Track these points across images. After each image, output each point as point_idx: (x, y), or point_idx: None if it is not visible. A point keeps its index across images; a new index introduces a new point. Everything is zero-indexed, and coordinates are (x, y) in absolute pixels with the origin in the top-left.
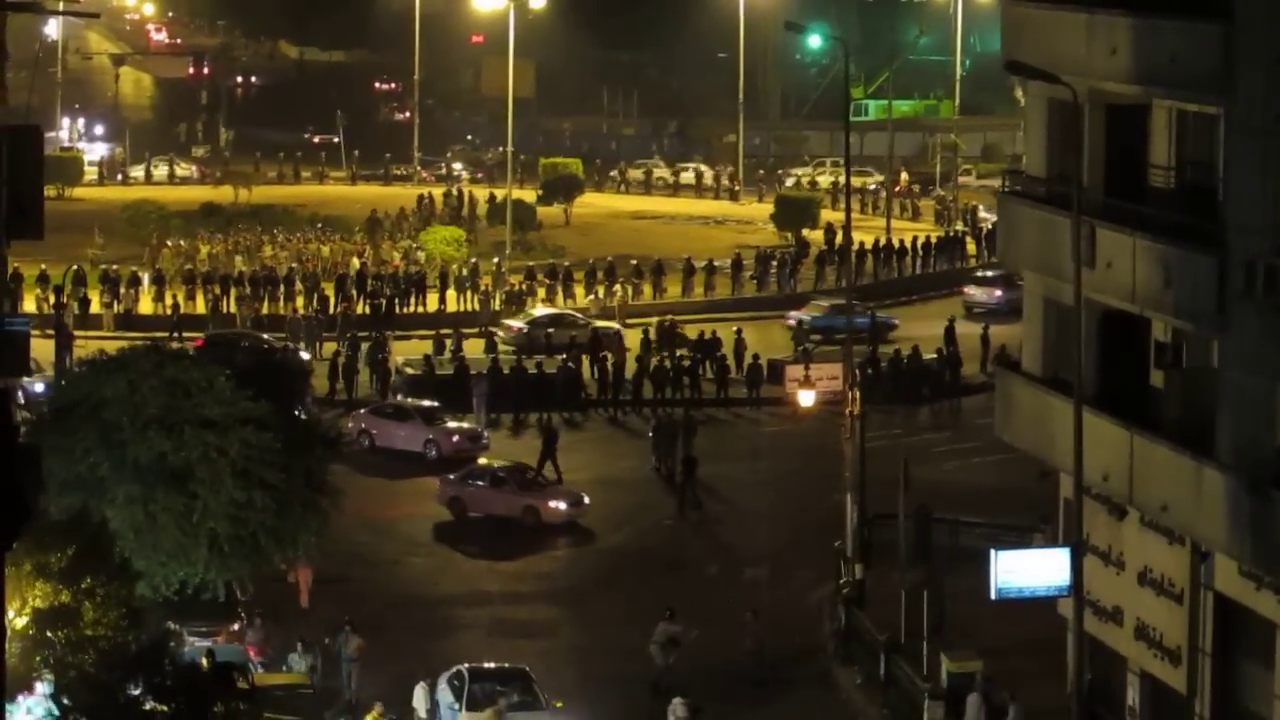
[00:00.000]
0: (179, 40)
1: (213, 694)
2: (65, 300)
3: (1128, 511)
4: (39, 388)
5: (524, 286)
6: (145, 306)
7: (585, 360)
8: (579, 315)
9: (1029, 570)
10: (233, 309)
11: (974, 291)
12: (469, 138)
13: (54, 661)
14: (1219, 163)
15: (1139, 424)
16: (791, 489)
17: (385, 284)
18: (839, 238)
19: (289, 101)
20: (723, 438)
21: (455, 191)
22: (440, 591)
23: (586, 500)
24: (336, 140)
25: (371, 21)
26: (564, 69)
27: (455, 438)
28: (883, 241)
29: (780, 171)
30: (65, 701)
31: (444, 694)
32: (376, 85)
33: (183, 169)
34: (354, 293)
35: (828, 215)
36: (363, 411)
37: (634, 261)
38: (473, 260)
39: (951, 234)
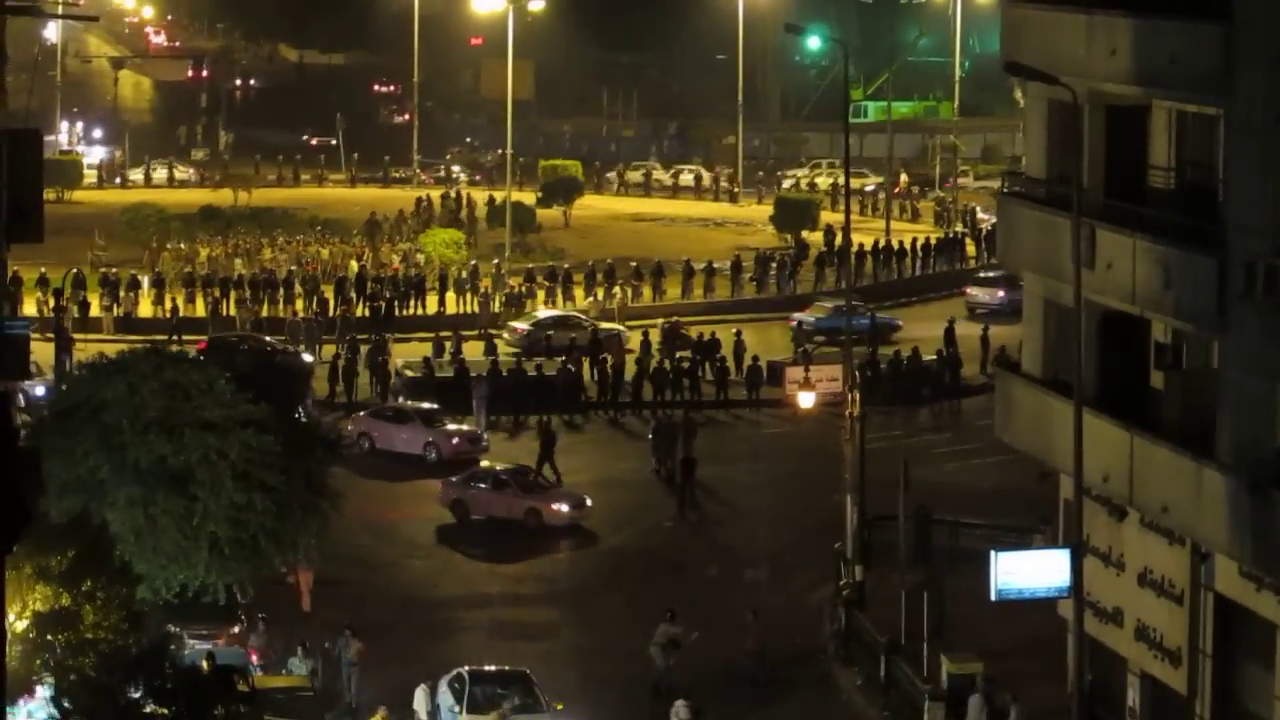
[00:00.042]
0: (178, 43)
1: (213, 697)
2: (65, 303)
3: (1128, 512)
4: (40, 391)
5: (523, 289)
6: (145, 309)
7: (585, 362)
8: (584, 317)
9: (1029, 571)
10: (233, 312)
11: (976, 292)
12: (468, 140)
13: (54, 664)
14: (1219, 163)
15: (1139, 425)
16: (791, 490)
17: (385, 286)
18: (838, 239)
19: (288, 104)
20: (722, 439)
21: (453, 194)
22: (440, 594)
23: (589, 502)
24: (334, 142)
25: (371, 24)
26: (563, 71)
27: (455, 440)
28: (882, 243)
29: (779, 174)
30: (66, 704)
31: (444, 696)
32: (376, 88)
33: (180, 172)
34: (353, 295)
35: (827, 217)
36: (362, 414)
37: (633, 263)
38: (472, 263)
39: (951, 235)
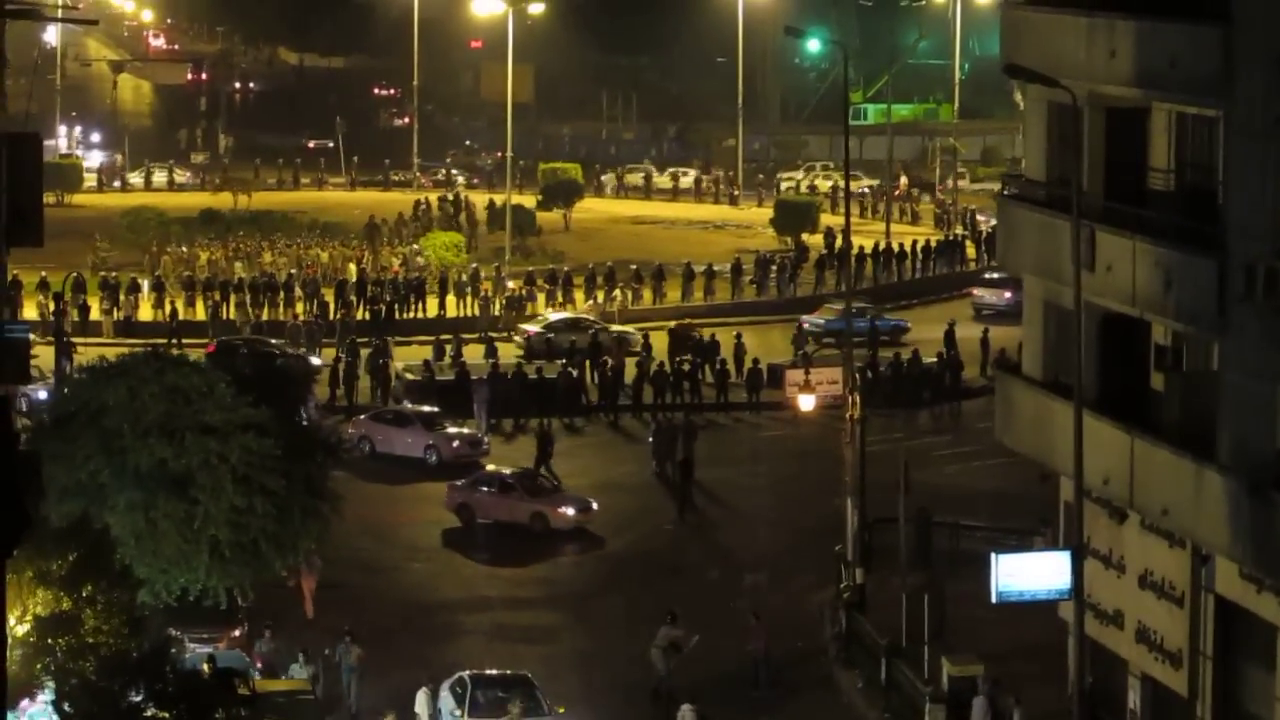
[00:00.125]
0: (178, 46)
1: (214, 700)
2: (65, 307)
3: (1128, 515)
4: (42, 395)
5: (524, 292)
6: (145, 313)
7: (586, 365)
8: (594, 319)
9: (1030, 574)
10: (233, 315)
11: (983, 293)
12: (467, 143)
13: (55, 668)
14: (1219, 165)
15: (1139, 427)
16: (792, 493)
17: (385, 289)
18: (838, 242)
19: (288, 107)
20: (723, 442)
21: (451, 197)
22: (441, 597)
23: (595, 506)
24: (332, 145)
25: (370, 27)
26: (563, 74)
27: (456, 443)
28: (882, 245)
29: (778, 176)
30: (66, 708)
31: (446, 700)
32: (376, 91)
33: (179, 175)
34: (354, 298)
35: (827, 219)
36: (363, 417)
37: (634, 266)
38: (473, 266)
39: (951, 237)
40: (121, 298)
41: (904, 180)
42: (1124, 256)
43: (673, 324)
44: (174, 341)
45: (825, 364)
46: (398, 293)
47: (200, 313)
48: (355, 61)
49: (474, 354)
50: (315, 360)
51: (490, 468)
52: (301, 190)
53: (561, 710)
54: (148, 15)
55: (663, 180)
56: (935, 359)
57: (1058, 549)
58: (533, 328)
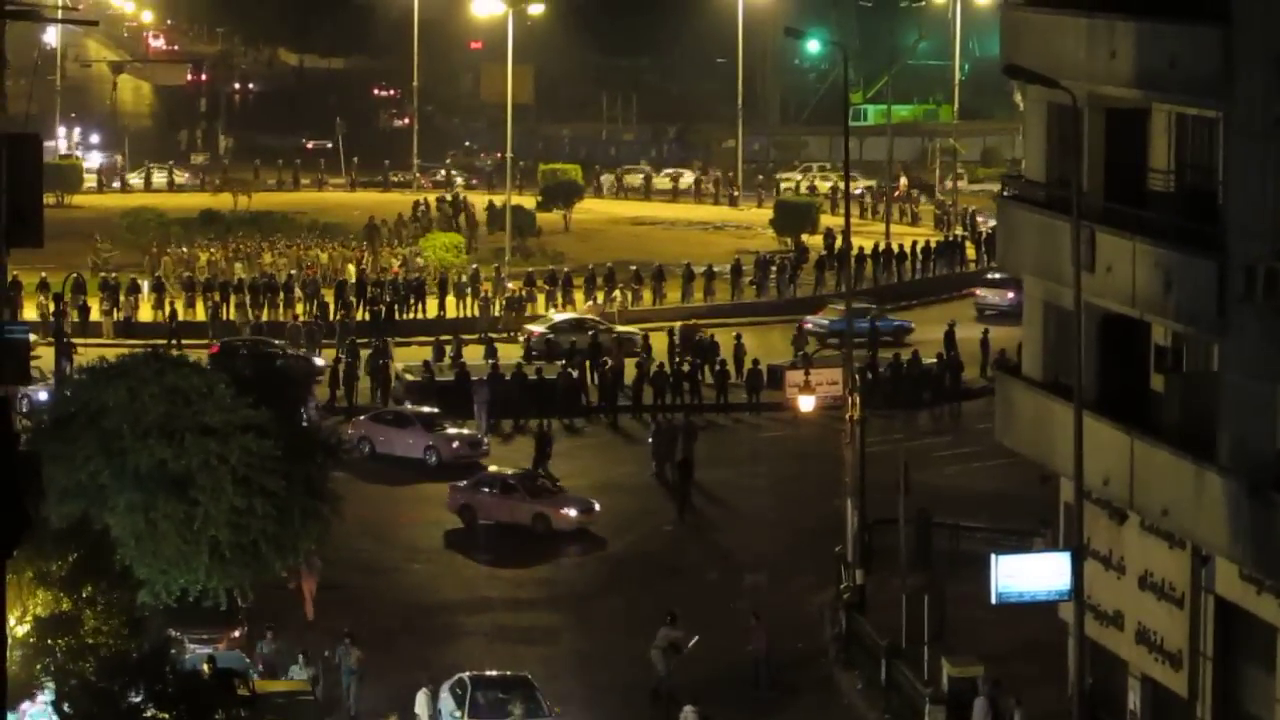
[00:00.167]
0: (177, 47)
1: (214, 701)
2: (65, 308)
3: (1128, 515)
4: (42, 396)
5: (524, 292)
6: (145, 314)
7: (586, 366)
8: (599, 320)
9: (1030, 575)
10: (233, 316)
11: (985, 294)
12: (467, 144)
13: (55, 669)
14: (1219, 166)
15: (1139, 428)
16: (791, 494)
17: (384, 290)
18: (838, 243)
19: (288, 108)
20: (722, 443)
21: (450, 198)
22: (442, 598)
23: (597, 507)
24: (331, 146)
25: (370, 28)
26: (563, 75)
27: (456, 444)
28: (882, 246)
29: (777, 177)
30: (66, 709)
31: (446, 701)
32: (375, 92)
33: (179, 176)
34: (353, 299)
35: (827, 220)
36: (363, 418)
37: (633, 267)
38: (473, 266)
39: (951, 238)
40: (121, 298)
41: (904, 181)
42: (1124, 257)
43: (678, 324)
44: (174, 342)
45: (825, 365)
46: (397, 293)
47: (200, 314)
48: (355, 62)
49: (474, 355)
50: (319, 361)
51: (492, 469)
52: (301, 191)
53: (558, 711)
54: (148, 16)
55: (661, 181)
56: (935, 360)
57: (1058, 550)
58: (538, 328)
